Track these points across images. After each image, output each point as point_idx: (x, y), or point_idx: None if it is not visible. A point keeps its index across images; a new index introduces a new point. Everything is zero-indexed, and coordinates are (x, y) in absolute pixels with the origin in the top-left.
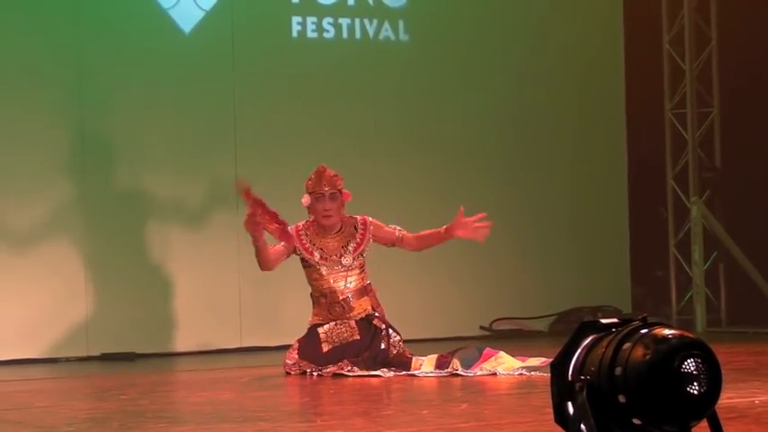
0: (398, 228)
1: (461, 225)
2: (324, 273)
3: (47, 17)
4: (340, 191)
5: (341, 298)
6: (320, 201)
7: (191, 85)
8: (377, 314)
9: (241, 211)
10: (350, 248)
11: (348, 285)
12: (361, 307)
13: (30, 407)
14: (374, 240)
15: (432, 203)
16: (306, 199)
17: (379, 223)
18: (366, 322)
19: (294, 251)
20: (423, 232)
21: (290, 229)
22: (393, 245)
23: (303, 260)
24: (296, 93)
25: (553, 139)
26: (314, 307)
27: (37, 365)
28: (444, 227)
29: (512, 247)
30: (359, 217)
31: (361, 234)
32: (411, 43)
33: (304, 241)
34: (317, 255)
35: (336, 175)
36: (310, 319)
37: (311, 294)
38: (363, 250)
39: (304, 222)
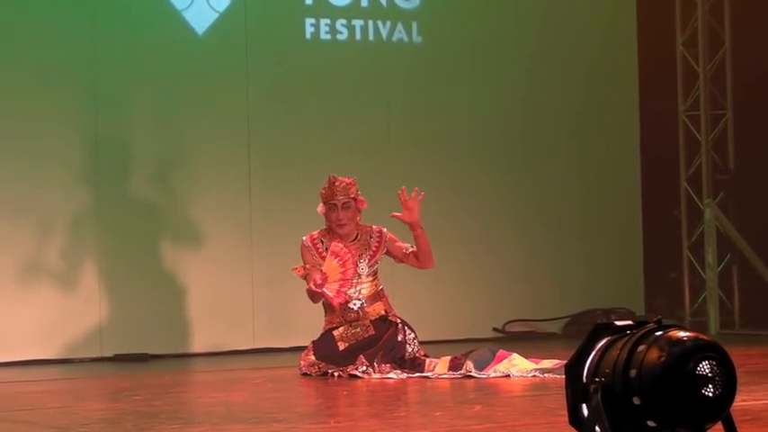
0: (411, 246)
1: (406, 210)
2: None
3: (61, 20)
4: (354, 199)
5: (354, 305)
6: (333, 210)
7: (204, 86)
8: (390, 315)
9: (254, 212)
10: (365, 257)
11: (362, 292)
12: (375, 311)
13: (43, 407)
14: (387, 254)
15: (444, 204)
16: (321, 208)
17: (393, 237)
18: (381, 320)
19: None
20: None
21: (306, 239)
22: (401, 261)
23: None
24: (309, 94)
25: (566, 141)
26: (326, 314)
27: (51, 366)
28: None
29: (525, 250)
30: (375, 227)
31: (377, 244)
32: (424, 45)
33: (320, 249)
34: None
35: (350, 184)
36: (324, 325)
37: (323, 302)
38: (378, 260)
39: (319, 231)
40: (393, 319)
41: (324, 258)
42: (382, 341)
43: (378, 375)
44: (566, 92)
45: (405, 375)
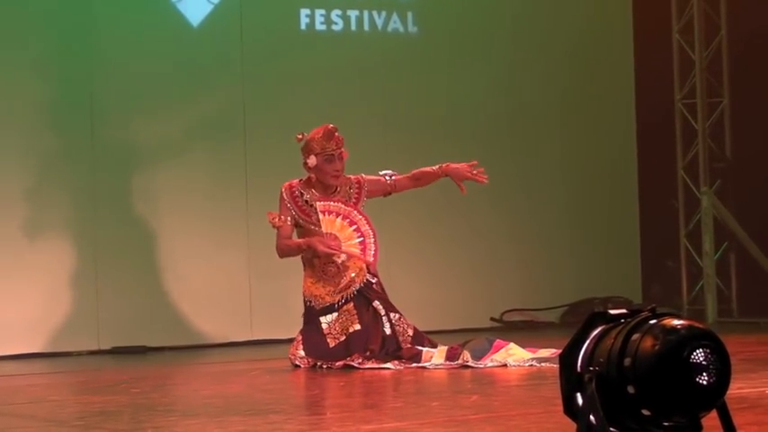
0: (389, 173)
1: (457, 168)
2: (318, 234)
3: (56, 13)
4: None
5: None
6: (330, 161)
7: (200, 78)
8: (374, 282)
9: (251, 204)
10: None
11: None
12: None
13: (41, 400)
14: (370, 196)
15: (441, 191)
16: (313, 160)
17: (370, 177)
18: (364, 300)
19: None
20: (416, 171)
21: (285, 187)
22: (389, 193)
23: (296, 222)
24: (305, 85)
25: (563, 131)
26: (306, 270)
27: (48, 359)
28: (440, 165)
29: (522, 239)
30: (353, 177)
31: (356, 193)
32: (420, 35)
33: (299, 202)
34: (313, 216)
35: (341, 136)
36: (304, 286)
37: (302, 258)
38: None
39: (298, 181)
40: (377, 309)
41: (303, 212)
42: (375, 345)
43: (373, 365)
44: (561, 80)
45: (401, 366)
